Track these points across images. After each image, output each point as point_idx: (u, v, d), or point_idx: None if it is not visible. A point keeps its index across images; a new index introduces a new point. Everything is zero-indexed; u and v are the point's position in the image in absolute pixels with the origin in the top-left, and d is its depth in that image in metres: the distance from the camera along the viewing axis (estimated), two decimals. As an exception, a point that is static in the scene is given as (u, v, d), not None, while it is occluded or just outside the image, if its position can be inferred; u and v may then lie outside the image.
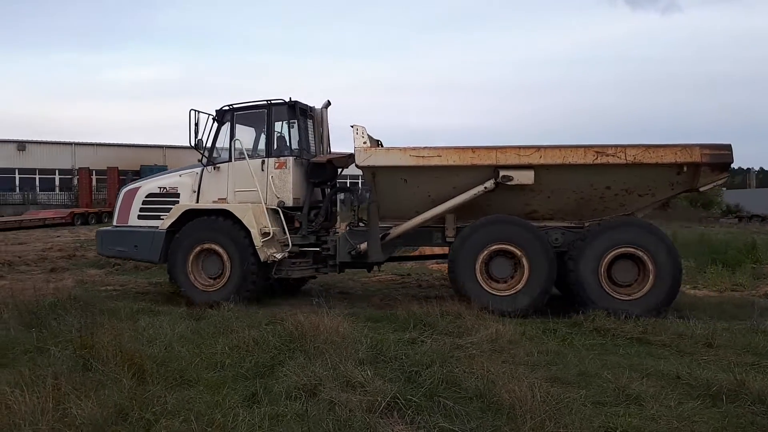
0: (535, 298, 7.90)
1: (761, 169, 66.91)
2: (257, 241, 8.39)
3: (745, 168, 55.25)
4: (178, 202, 9.13)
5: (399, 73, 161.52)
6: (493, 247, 8.06)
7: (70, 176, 42.73)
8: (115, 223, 9.76)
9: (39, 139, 44.77)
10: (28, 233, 23.24)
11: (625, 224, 8.07)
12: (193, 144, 8.83)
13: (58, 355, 5.07)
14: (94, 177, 38.01)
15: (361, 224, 9.05)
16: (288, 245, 8.70)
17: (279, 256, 8.53)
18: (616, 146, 7.91)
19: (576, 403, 4.21)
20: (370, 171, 8.34)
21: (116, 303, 8.05)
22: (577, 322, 7.04)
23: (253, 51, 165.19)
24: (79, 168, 39.50)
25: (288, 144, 9.15)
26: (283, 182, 8.81)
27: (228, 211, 8.68)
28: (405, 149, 8.33)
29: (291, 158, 8.86)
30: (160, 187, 9.47)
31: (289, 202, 8.82)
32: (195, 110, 8.70)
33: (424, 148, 8.27)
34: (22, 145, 43.85)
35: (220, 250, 8.62)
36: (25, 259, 14.63)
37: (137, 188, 9.69)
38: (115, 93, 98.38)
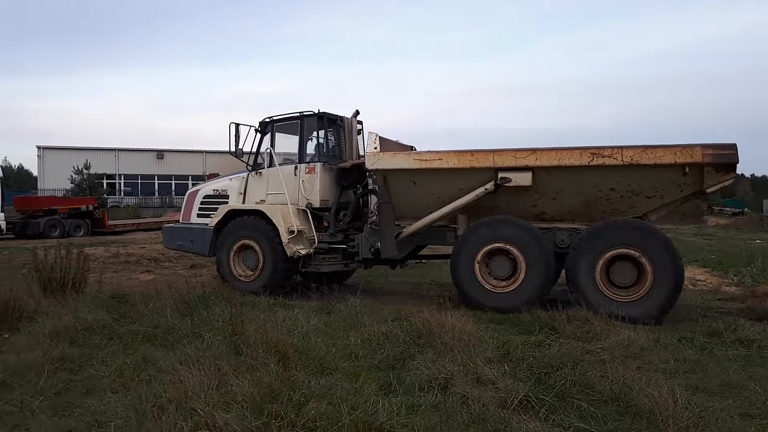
0: (532, 295, 8.02)
1: None
2: (284, 237, 9.27)
3: None
4: (227, 203, 10.28)
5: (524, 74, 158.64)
6: (491, 246, 8.32)
7: (201, 181, 46.32)
8: (180, 221, 11.12)
9: (175, 148, 49.02)
10: (167, 233, 25.56)
11: (623, 226, 7.88)
12: (232, 152, 9.78)
13: (212, 340, 5.60)
14: (221, 182, 40.89)
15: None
16: (314, 242, 9.51)
17: (304, 251, 9.39)
18: (613, 147, 7.86)
19: (722, 413, 4.02)
20: (381, 174, 8.98)
21: (253, 297, 8.70)
22: (717, 332, 6.62)
23: (374, 59, 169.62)
24: (209, 173, 42.63)
25: (316, 151, 9.92)
26: (311, 185, 9.63)
27: (261, 211, 9.64)
28: (409, 153, 9.05)
29: (319, 164, 9.65)
30: (214, 190, 10.72)
31: (317, 204, 9.62)
32: (235, 123, 9.70)
33: (427, 152, 8.81)
34: (160, 153, 48.26)
35: (256, 246, 9.66)
36: (168, 256, 16.13)
37: (198, 191, 11.03)
38: (240, 104, 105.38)
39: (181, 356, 5.00)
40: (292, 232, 9.29)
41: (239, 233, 9.82)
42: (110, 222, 28.45)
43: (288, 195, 9.59)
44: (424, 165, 8.63)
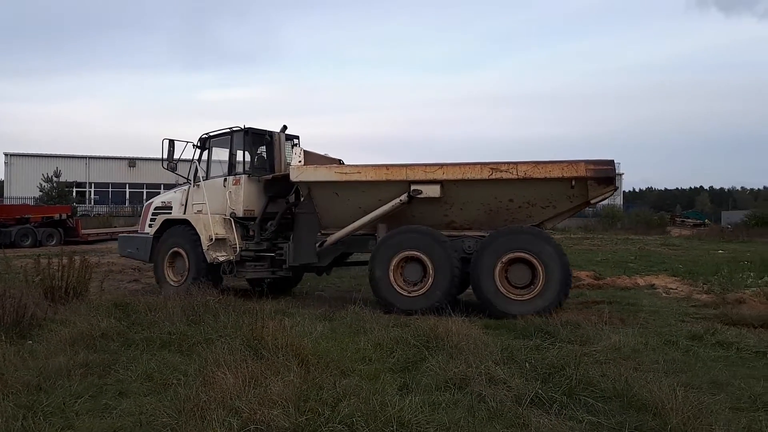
0: (439, 298, 8.66)
1: None
2: (204, 245, 9.87)
3: None
4: (171, 213, 10.96)
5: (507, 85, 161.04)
6: (404, 254, 9.00)
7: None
8: (138, 231, 11.97)
9: (147, 156, 48.32)
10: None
11: (518, 232, 8.70)
12: (165, 167, 10.46)
13: (233, 345, 5.80)
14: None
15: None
16: (236, 250, 10.06)
17: (223, 258, 9.93)
18: (509, 163, 8.66)
19: (715, 406, 4.43)
20: (306, 186, 9.74)
21: (252, 304, 8.88)
22: (698, 335, 7.12)
23: (346, 69, 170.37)
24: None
25: (242, 163, 10.61)
26: (237, 196, 10.25)
27: (188, 220, 10.33)
28: (330, 167, 9.75)
29: (244, 176, 10.29)
30: (162, 202, 11.49)
31: (240, 213, 10.25)
32: (168, 139, 10.43)
33: (347, 165, 9.69)
34: (132, 162, 47.56)
35: (183, 253, 10.31)
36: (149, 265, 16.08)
37: (151, 203, 11.75)
38: (212, 112, 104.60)
39: (206, 360, 5.21)
40: (211, 239, 9.86)
41: (171, 241, 10.51)
42: (83, 231, 28.01)
43: (218, 205, 10.27)
44: (344, 178, 9.37)
